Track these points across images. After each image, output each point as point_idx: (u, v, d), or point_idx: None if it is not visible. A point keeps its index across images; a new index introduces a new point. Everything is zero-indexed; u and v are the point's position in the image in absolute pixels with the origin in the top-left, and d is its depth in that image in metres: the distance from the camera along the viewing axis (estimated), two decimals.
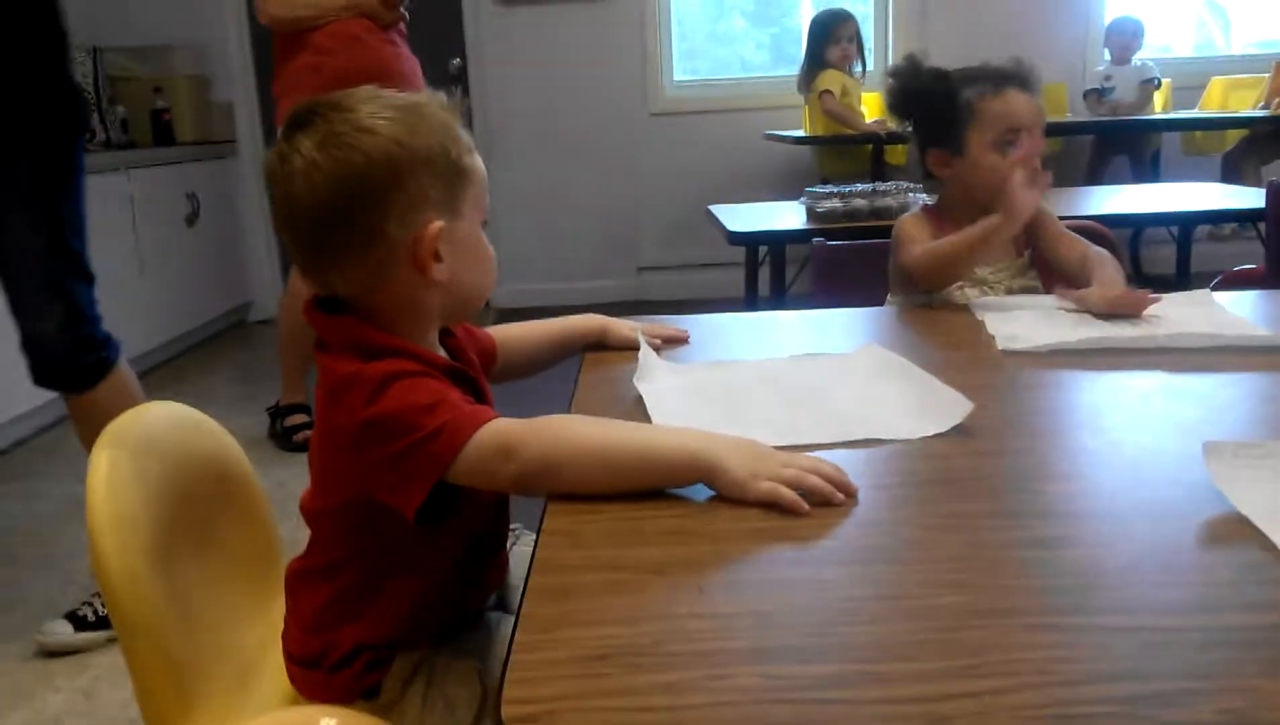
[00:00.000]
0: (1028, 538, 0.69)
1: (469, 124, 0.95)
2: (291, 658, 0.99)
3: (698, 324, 1.41)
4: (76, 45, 4.22)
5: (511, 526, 1.16)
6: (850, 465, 0.81)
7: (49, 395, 3.30)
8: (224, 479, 1.10)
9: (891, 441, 0.87)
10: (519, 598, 1.07)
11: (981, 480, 0.80)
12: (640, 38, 4.88)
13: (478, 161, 0.93)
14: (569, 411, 1.00)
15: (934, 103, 1.57)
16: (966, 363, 1.17)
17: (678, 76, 5.03)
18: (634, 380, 1.02)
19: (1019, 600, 0.61)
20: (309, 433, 3.09)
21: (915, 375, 1.02)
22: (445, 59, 4.85)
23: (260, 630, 1.09)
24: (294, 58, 2.66)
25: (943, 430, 0.88)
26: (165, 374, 4.10)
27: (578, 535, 0.71)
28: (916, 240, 1.53)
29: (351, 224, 0.86)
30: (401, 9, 2.78)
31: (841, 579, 0.64)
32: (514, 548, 1.14)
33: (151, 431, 1.00)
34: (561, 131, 4.95)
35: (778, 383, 1.06)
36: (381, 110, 0.87)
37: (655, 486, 0.78)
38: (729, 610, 0.61)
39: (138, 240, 3.94)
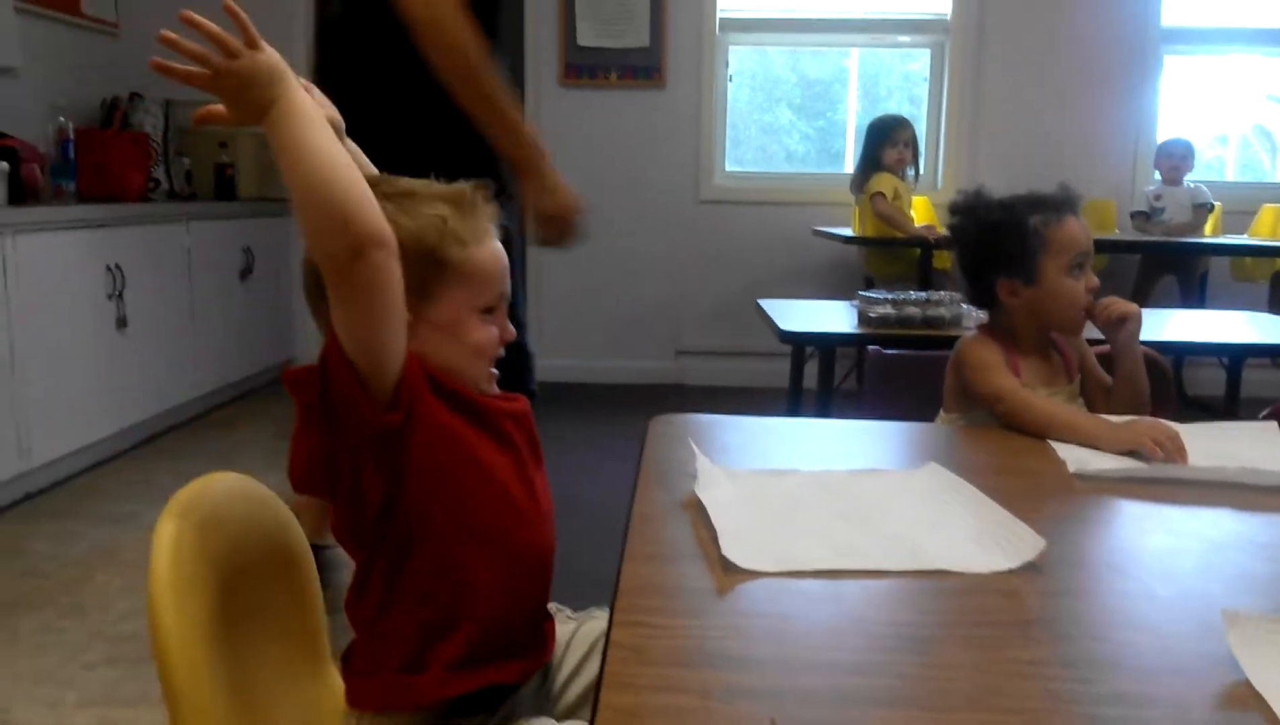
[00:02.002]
0: (1105, 693, 0.68)
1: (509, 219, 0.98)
2: (352, 672, 1.00)
3: (750, 427, 1.41)
4: (150, 98, 4.38)
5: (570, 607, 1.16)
6: (922, 600, 0.80)
7: (91, 437, 3.36)
8: (280, 551, 1.10)
9: (963, 575, 0.86)
10: (585, 689, 1.06)
11: (1054, 624, 0.79)
12: (695, 125, 4.97)
13: (476, 253, 0.95)
14: (629, 517, 1.00)
15: (1004, 233, 1.58)
16: (1034, 488, 1.16)
17: (728, 166, 5.11)
18: (695, 489, 1.02)
19: None
20: None
21: (982, 503, 1.01)
22: None
23: (307, 703, 1.08)
24: None
25: (1014, 566, 0.87)
26: (212, 422, 4.15)
27: (646, 652, 0.71)
28: (993, 367, 1.52)
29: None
30: None
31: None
32: (579, 628, 1.13)
33: (217, 504, 1.01)
34: (611, 211, 5.03)
35: (837, 497, 1.05)
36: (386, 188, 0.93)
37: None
38: None
39: (192, 290, 4.02)
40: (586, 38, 4.89)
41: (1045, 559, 0.88)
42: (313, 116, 0.87)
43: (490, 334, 0.98)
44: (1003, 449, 1.34)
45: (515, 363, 1.95)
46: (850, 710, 0.64)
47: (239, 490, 1.07)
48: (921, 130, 4.93)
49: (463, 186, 0.98)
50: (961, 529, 0.96)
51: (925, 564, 0.87)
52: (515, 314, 1.94)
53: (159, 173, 4.32)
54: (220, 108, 0.89)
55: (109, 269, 3.43)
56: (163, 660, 0.88)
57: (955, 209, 1.66)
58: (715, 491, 1.01)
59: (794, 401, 2.72)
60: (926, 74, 5.10)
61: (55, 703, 1.93)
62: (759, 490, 1.07)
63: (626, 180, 5.02)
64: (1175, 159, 4.59)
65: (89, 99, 4.28)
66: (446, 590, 0.94)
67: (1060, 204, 1.58)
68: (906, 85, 5.25)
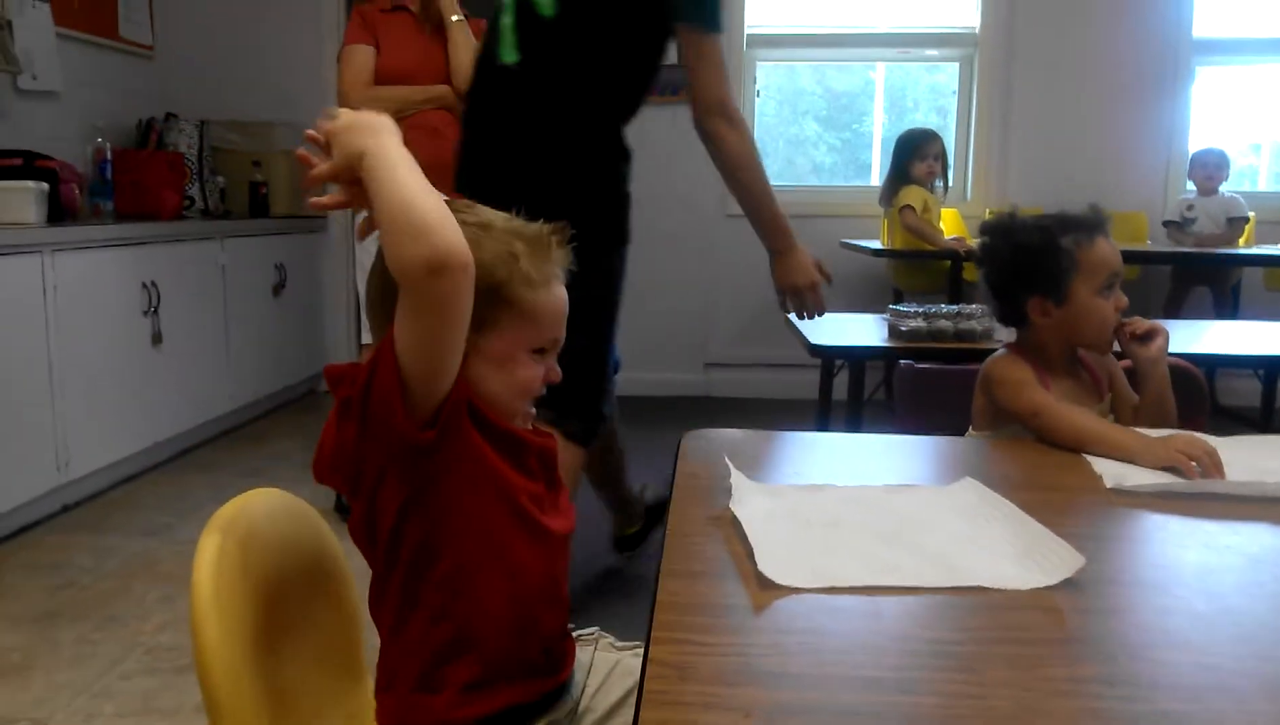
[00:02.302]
0: (1148, 712, 0.67)
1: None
2: (377, 687, 1.02)
3: (782, 442, 1.42)
4: (185, 117, 4.45)
5: (589, 629, 1.17)
6: (961, 616, 0.80)
7: (127, 450, 3.41)
8: (317, 566, 1.11)
9: (1002, 591, 0.86)
10: (603, 714, 1.07)
11: (1095, 643, 0.78)
12: None
13: (541, 295, 0.97)
14: (664, 533, 1.00)
15: (1037, 254, 1.58)
16: (1071, 504, 1.15)
17: None
18: (730, 505, 1.02)
19: None
20: None
21: (1020, 519, 1.01)
22: None
23: (344, 719, 1.09)
24: None
25: (1053, 583, 0.87)
26: (245, 435, 4.20)
27: (687, 669, 0.71)
28: (1027, 383, 1.52)
29: None
30: None
31: None
32: (595, 652, 1.14)
33: (257, 520, 1.02)
34: (638, 225, 5.02)
35: (872, 512, 1.05)
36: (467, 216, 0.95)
37: None
38: None
39: (226, 306, 4.07)
40: None
41: (1084, 576, 0.88)
42: (402, 156, 0.90)
43: (537, 373, 0.99)
44: (1037, 463, 1.33)
45: (596, 387, 2.08)
46: None
47: (280, 507, 1.08)
48: (950, 142, 4.92)
49: (540, 227, 0.99)
50: (999, 545, 0.96)
51: (963, 581, 0.87)
52: (604, 349, 2.10)
53: (194, 191, 4.39)
54: (332, 197, 0.97)
55: (144, 286, 3.49)
56: (205, 673, 0.90)
57: (987, 230, 1.67)
58: (750, 507, 1.02)
59: (823, 415, 2.71)
60: (954, 86, 5.09)
61: (93, 713, 1.96)
62: (794, 506, 1.07)
63: (654, 195, 5.02)
64: (1209, 169, 4.55)
65: (126, 120, 4.36)
66: (461, 610, 0.95)
67: (1091, 225, 1.59)
68: (933, 97, 5.24)
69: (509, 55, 2.03)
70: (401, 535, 0.94)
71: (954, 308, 2.31)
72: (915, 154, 4.19)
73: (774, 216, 2.30)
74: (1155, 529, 1.08)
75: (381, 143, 0.90)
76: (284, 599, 1.03)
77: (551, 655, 1.04)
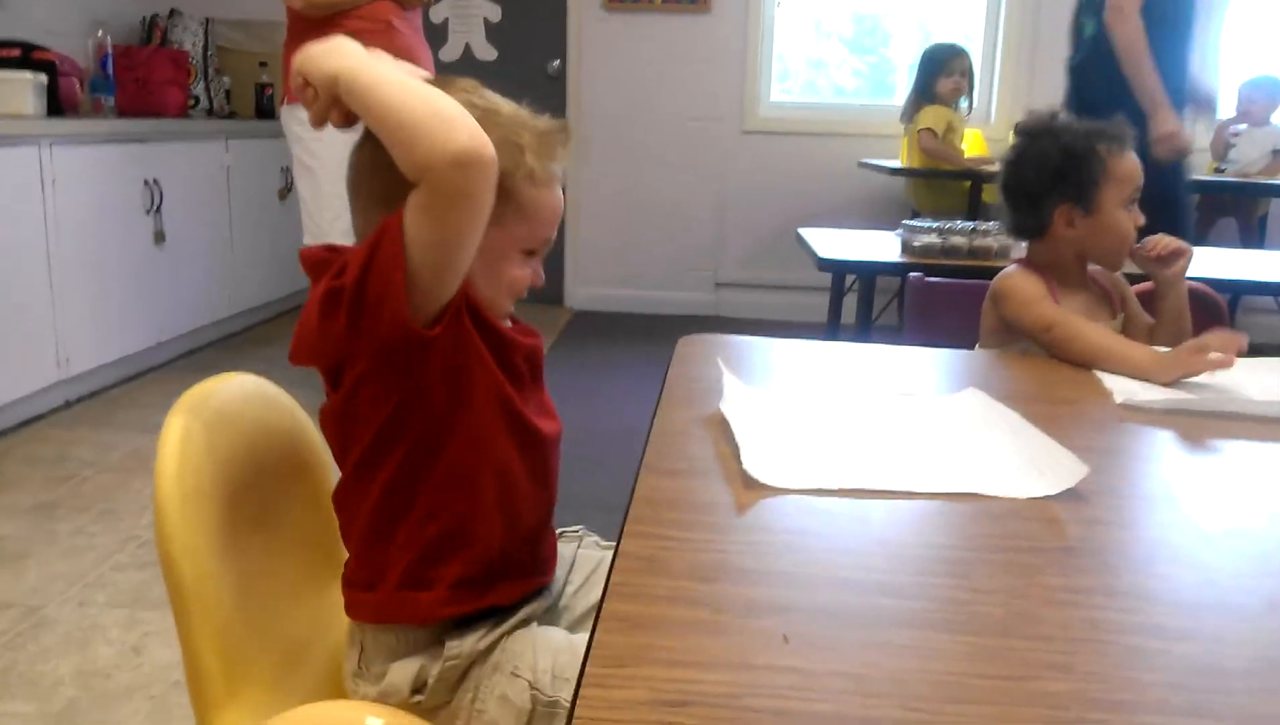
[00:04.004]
0: (1145, 624, 0.63)
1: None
2: (348, 583, 0.97)
3: (781, 348, 1.36)
4: (189, 15, 4.34)
5: (574, 527, 1.13)
6: (956, 522, 0.76)
7: (128, 349, 3.38)
8: (294, 456, 1.08)
9: (999, 499, 0.81)
10: (582, 614, 1.05)
11: (1096, 554, 0.74)
12: (741, 54, 4.84)
13: (542, 194, 0.91)
14: (649, 432, 0.96)
15: (1078, 158, 1.51)
16: (1079, 417, 1.10)
17: (774, 97, 4.98)
18: (720, 406, 0.98)
19: (1135, 694, 0.55)
20: None
21: (1024, 429, 0.96)
22: (545, 59, 4.87)
23: (315, 612, 1.07)
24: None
25: (1054, 493, 0.82)
26: (246, 339, 4.18)
27: (658, 562, 0.67)
28: (1040, 297, 1.47)
29: None
30: None
31: (946, 649, 0.59)
32: (579, 550, 1.11)
33: (227, 403, 0.99)
34: (653, 140, 4.94)
35: (869, 419, 1.01)
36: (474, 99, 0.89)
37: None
38: (817, 668, 0.56)
39: (231, 208, 4.01)
40: None
41: (1088, 487, 0.83)
42: (374, 63, 0.84)
43: (525, 275, 0.94)
44: (1047, 377, 1.28)
45: None
46: (875, 631, 0.60)
47: (255, 392, 1.04)
48: (975, 62, 4.76)
49: (549, 121, 0.93)
50: (1000, 453, 0.91)
51: (960, 487, 0.83)
52: None
53: (198, 90, 4.29)
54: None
55: (147, 184, 3.43)
56: (168, 560, 0.87)
57: (1026, 130, 1.59)
58: (740, 407, 0.97)
59: (832, 333, 2.66)
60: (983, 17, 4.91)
61: (86, 602, 1.96)
62: (788, 410, 1.02)
63: (669, 108, 4.92)
64: (1262, 96, 4.36)
65: (129, 15, 4.25)
66: (454, 509, 0.91)
67: (1121, 135, 1.53)
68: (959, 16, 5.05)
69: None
70: (392, 434, 0.89)
71: (970, 224, 2.23)
72: (942, 70, 4.05)
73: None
74: (1165, 445, 1.03)
75: (346, 63, 0.84)
76: (255, 487, 1.00)
77: (538, 555, 1.00)
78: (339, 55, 0.85)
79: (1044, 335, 1.41)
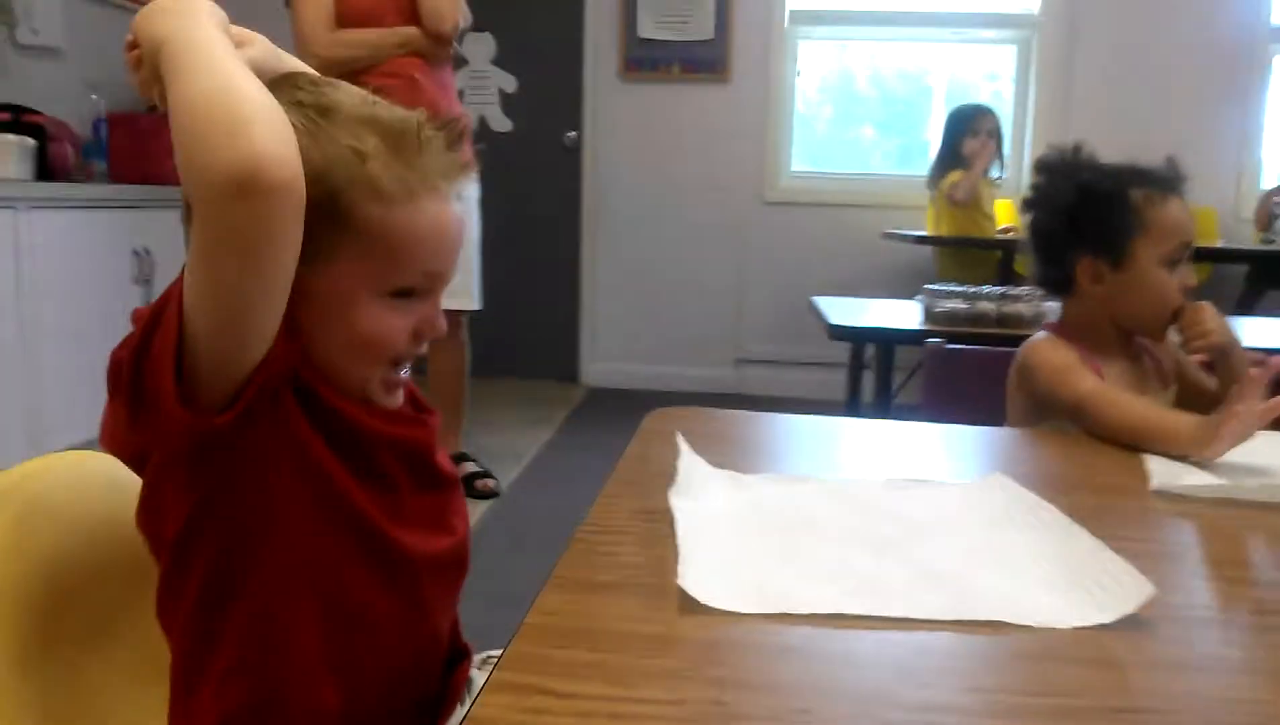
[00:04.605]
0: None
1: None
2: None
3: (773, 424, 1.15)
4: None
5: (494, 652, 0.89)
6: (972, 665, 0.53)
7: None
8: (143, 553, 0.87)
9: (1034, 630, 0.59)
10: None
11: (1174, 715, 0.51)
12: (760, 123, 4.70)
13: (396, 215, 0.67)
14: (574, 533, 0.74)
15: (1099, 203, 1.30)
16: (1117, 510, 0.87)
17: (795, 167, 4.83)
18: (669, 493, 0.77)
19: None
20: (490, 480, 2.93)
21: (1064, 527, 0.74)
22: (561, 130, 4.76)
23: None
24: None
25: (1109, 621, 0.60)
26: None
27: None
28: (1071, 368, 1.24)
29: None
30: (455, 45, 2.64)
31: None
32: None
33: (51, 489, 0.79)
34: (670, 212, 4.79)
35: (863, 514, 0.79)
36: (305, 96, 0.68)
37: None
38: None
39: None
40: (648, 29, 4.65)
41: (1155, 613, 0.61)
42: (214, 38, 0.63)
43: (389, 326, 0.69)
44: (1089, 460, 1.05)
45: None
46: None
47: (96, 474, 0.84)
48: (1006, 131, 4.60)
49: (412, 116, 0.70)
50: (1033, 563, 0.68)
51: (977, 612, 0.60)
52: None
53: None
54: None
55: (136, 253, 3.30)
56: None
57: (1045, 166, 1.38)
58: (694, 498, 0.76)
59: (851, 411, 2.43)
60: (1012, 72, 4.76)
61: None
62: (757, 500, 0.80)
63: (687, 179, 4.77)
64: None
65: (128, 82, 4.19)
66: (263, 664, 0.67)
67: (1166, 181, 1.32)
68: (986, 85, 4.91)
69: None
70: (189, 550, 0.67)
71: (999, 289, 2.02)
72: (967, 130, 3.86)
73: None
74: (1227, 544, 0.80)
75: (185, 25, 0.63)
76: (89, 595, 0.79)
77: (424, 709, 0.77)
78: (178, 16, 0.64)
79: (1074, 414, 1.18)
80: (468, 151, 0.75)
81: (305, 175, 0.60)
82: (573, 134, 4.79)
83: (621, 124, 4.76)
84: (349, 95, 0.70)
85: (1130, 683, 0.54)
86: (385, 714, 0.73)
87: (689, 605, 0.59)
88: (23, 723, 0.70)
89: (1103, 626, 0.59)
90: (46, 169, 3.14)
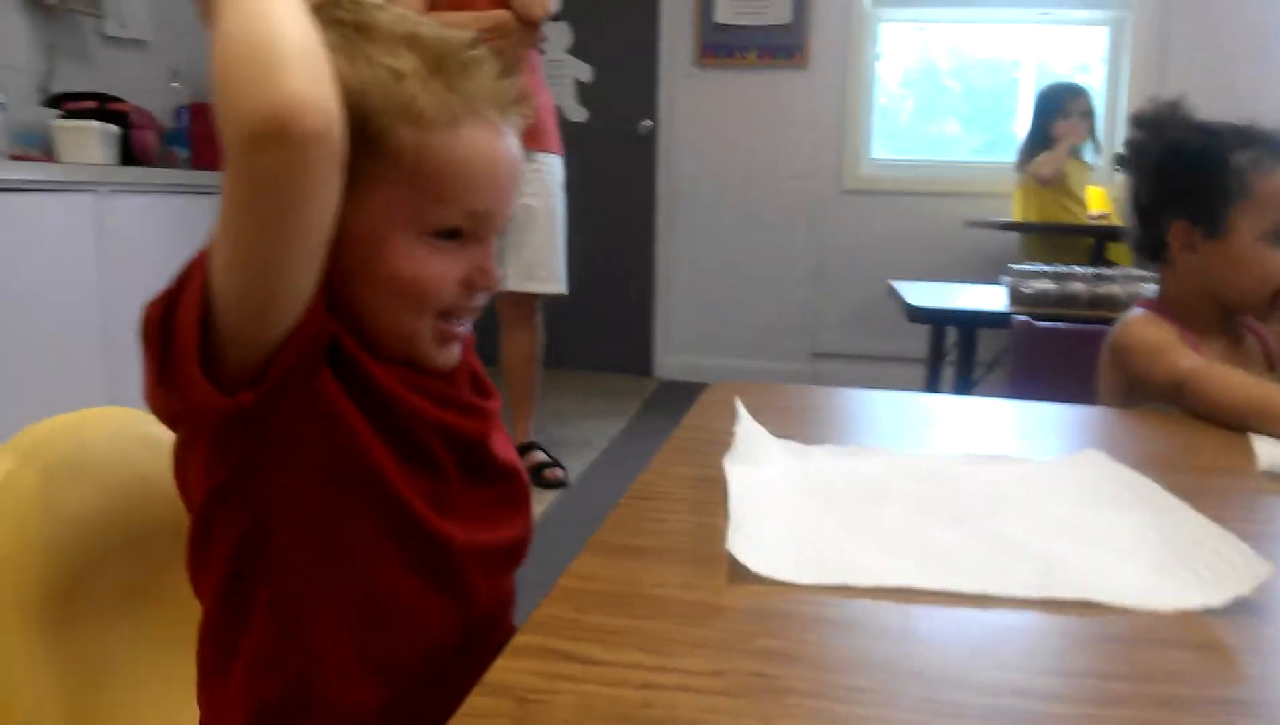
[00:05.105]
0: None
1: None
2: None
3: (843, 398, 1.09)
4: None
5: None
6: (1052, 646, 0.47)
7: None
8: (183, 516, 0.84)
9: (1129, 612, 0.52)
10: None
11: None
12: (839, 109, 4.59)
13: (437, 141, 0.61)
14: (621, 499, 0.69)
15: (1197, 164, 1.20)
16: (1228, 491, 0.79)
17: (875, 154, 4.70)
18: (724, 459, 0.71)
19: None
20: (559, 470, 2.89)
21: (1167, 505, 0.66)
22: (636, 119, 4.72)
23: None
24: None
25: (1216, 603, 0.52)
26: None
27: (532, 709, 0.40)
28: (1170, 346, 1.15)
29: None
30: (541, 31, 2.60)
31: None
32: None
33: (84, 446, 0.76)
34: (747, 201, 4.71)
35: (942, 486, 0.72)
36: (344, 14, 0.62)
37: None
38: None
39: None
40: (724, 15, 4.58)
41: (1267, 595, 0.53)
42: None
43: (432, 269, 0.63)
44: (1190, 440, 0.96)
45: None
46: None
47: (130, 432, 0.81)
48: (1098, 116, 4.42)
49: (457, 36, 0.65)
50: (1129, 539, 0.61)
51: (1068, 591, 0.53)
52: None
53: None
54: None
55: None
56: None
57: (1142, 121, 1.28)
58: (750, 465, 0.70)
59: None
60: (1104, 54, 4.56)
61: None
62: (819, 470, 0.74)
63: (765, 167, 4.69)
64: None
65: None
66: (293, 658, 0.63)
67: (1278, 148, 1.20)
68: (1077, 78, 4.72)
69: None
70: (213, 525, 0.63)
71: (1091, 270, 1.90)
72: (1058, 111, 3.69)
73: None
74: None
75: None
76: (118, 552, 0.76)
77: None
78: None
79: (1174, 393, 1.09)
80: (525, 86, 0.69)
81: (342, 96, 0.55)
82: (648, 122, 4.75)
83: (697, 112, 4.70)
84: (391, 15, 0.65)
85: (1241, 670, 0.47)
86: (433, 709, 0.65)
87: (738, 574, 0.53)
88: (50, 683, 0.68)
89: (1210, 610, 0.52)
90: (131, 155, 3.21)
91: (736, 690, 0.42)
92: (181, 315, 0.57)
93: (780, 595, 0.52)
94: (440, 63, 0.63)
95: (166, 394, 0.59)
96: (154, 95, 3.71)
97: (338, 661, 0.62)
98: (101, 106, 3.16)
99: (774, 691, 0.42)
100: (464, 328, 0.68)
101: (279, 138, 0.51)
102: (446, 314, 0.66)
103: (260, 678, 0.63)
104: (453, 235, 0.64)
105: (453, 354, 0.68)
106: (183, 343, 0.56)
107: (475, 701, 0.40)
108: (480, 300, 0.68)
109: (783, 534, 0.59)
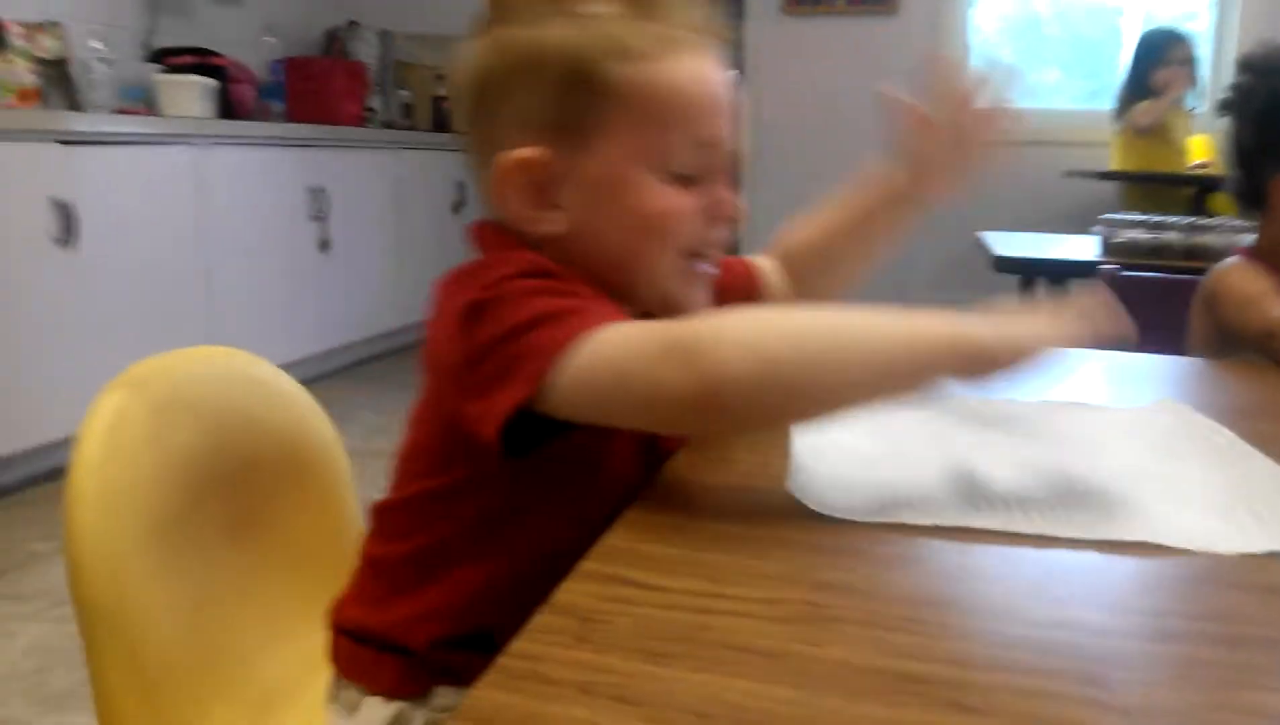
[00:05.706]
0: None
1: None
2: (339, 628, 0.74)
3: None
4: (368, 28, 4.40)
5: None
6: (1109, 585, 0.48)
7: (286, 357, 3.39)
8: (292, 455, 0.89)
9: (1189, 554, 0.52)
10: None
11: None
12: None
13: (651, 71, 0.64)
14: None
15: None
16: None
17: None
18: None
19: None
20: None
21: (1239, 454, 0.65)
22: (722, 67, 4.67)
23: (304, 650, 0.87)
24: None
25: None
26: (416, 353, 4.15)
27: (599, 622, 0.43)
28: (1265, 295, 1.12)
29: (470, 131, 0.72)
30: None
31: None
32: None
33: (192, 382, 0.81)
34: (835, 151, 4.63)
35: (1012, 431, 0.72)
36: None
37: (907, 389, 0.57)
38: None
39: (399, 219, 4.00)
40: None
41: None
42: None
43: (675, 202, 0.65)
44: (1275, 391, 0.94)
45: None
46: None
47: (238, 371, 0.86)
48: (1205, 64, 4.21)
49: None
50: (1198, 486, 0.61)
51: (1130, 533, 0.54)
52: None
53: (376, 103, 4.34)
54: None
55: (312, 191, 3.44)
56: (76, 571, 0.69)
57: (1250, 65, 1.23)
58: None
59: None
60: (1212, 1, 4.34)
61: None
62: (887, 414, 0.74)
63: (853, 117, 4.60)
64: None
65: (312, 27, 4.35)
66: (519, 549, 0.66)
67: None
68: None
69: None
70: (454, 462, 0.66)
71: (1186, 219, 1.84)
72: (1157, 58, 3.54)
73: None
74: None
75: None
76: (233, 490, 0.81)
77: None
78: None
79: (1267, 342, 1.06)
80: (715, 10, 0.72)
81: (557, 54, 0.63)
82: (734, 72, 4.69)
83: (784, 61, 4.62)
84: None
85: None
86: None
87: (798, 510, 0.55)
88: (157, 610, 0.73)
89: (1275, 554, 0.52)
90: (228, 109, 3.31)
91: (790, 617, 0.44)
92: (500, 401, 0.56)
93: (839, 532, 0.53)
94: (639, 1, 0.66)
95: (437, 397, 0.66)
96: (249, 49, 3.80)
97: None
98: (201, 61, 3.26)
99: (827, 619, 0.44)
100: (709, 268, 0.71)
101: (706, 411, 0.54)
102: (691, 253, 0.68)
103: (466, 579, 0.66)
104: (688, 180, 0.66)
105: (701, 295, 0.70)
106: (497, 413, 0.56)
107: (542, 619, 0.43)
108: (722, 234, 0.70)
109: (844, 473, 0.60)
